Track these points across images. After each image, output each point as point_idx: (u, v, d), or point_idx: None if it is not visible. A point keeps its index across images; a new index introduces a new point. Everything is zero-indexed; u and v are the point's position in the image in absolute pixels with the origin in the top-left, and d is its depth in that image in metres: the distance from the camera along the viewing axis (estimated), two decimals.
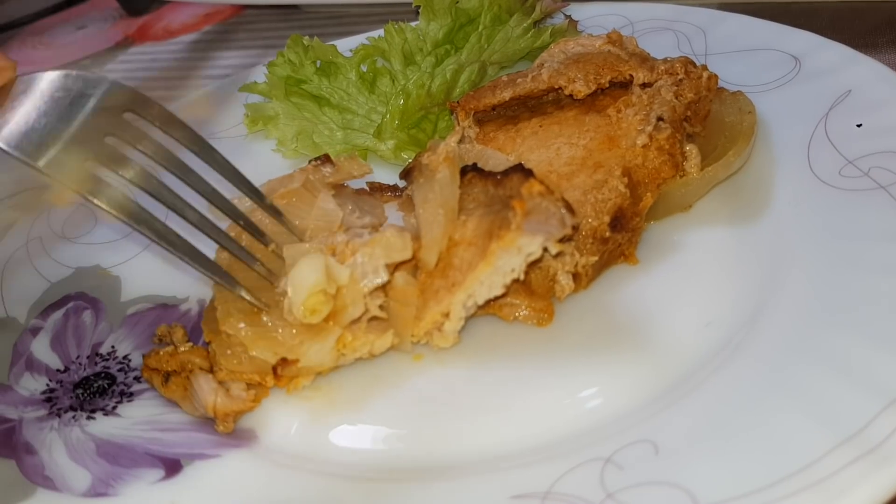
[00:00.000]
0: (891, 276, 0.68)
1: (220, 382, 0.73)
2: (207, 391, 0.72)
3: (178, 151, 0.75)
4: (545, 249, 0.72)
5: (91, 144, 0.69)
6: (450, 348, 0.76)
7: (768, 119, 0.91)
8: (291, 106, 1.09)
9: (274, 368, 0.73)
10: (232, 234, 0.76)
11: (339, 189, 0.83)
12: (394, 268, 0.73)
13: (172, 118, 0.74)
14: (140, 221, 0.69)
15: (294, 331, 0.72)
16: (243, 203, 0.78)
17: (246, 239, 0.77)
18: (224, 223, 0.76)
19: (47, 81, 0.70)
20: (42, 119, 0.68)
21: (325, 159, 0.83)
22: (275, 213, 0.78)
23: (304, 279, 0.69)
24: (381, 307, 0.73)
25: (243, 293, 0.73)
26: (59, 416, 0.77)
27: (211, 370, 0.74)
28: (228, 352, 0.72)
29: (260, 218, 0.78)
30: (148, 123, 0.73)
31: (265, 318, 0.73)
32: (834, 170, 0.81)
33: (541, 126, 0.89)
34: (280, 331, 0.72)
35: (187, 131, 0.75)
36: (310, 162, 0.84)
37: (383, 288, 0.73)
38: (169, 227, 0.71)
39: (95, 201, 0.68)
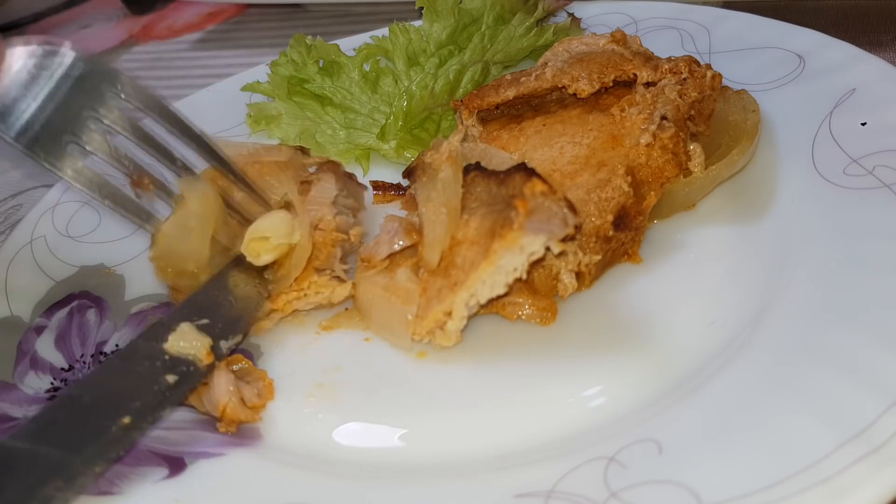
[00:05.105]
0: (894, 274, 0.68)
1: (238, 386, 0.74)
2: (223, 392, 0.72)
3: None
4: (548, 249, 0.72)
5: (69, 120, 0.74)
6: (452, 347, 0.76)
7: (772, 118, 0.90)
8: (294, 105, 1.10)
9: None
10: None
11: (334, 166, 0.91)
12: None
13: (151, 97, 0.79)
14: (106, 194, 0.76)
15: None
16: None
17: None
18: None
19: (31, 57, 0.74)
20: (24, 94, 0.73)
21: (304, 150, 0.93)
22: (246, 184, 0.85)
23: (256, 227, 0.80)
24: (345, 270, 0.84)
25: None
26: None
27: (231, 370, 0.75)
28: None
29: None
30: (126, 100, 0.78)
31: None
32: (838, 168, 0.81)
33: (544, 125, 0.89)
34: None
35: (164, 108, 0.80)
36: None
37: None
38: (130, 198, 0.78)
39: (62, 176, 0.74)
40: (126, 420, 0.65)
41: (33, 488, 0.59)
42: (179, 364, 0.71)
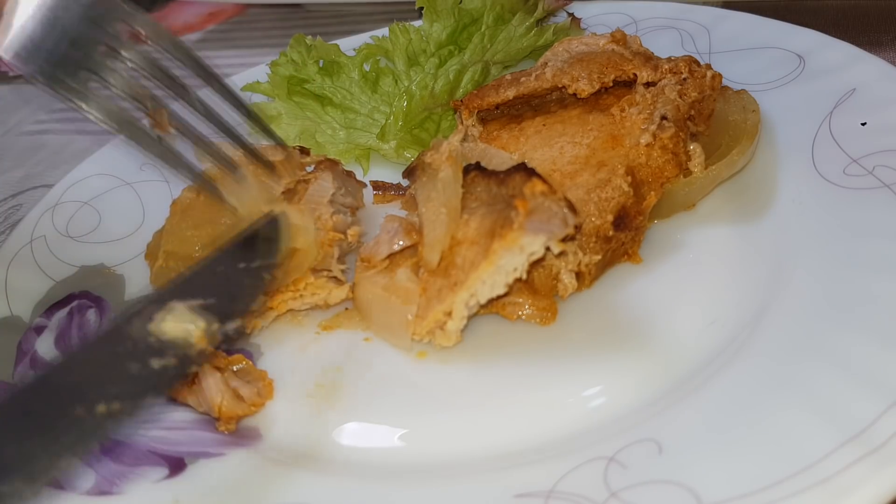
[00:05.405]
0: (895, 274, 0.68)
1: (229, 384, 0.73)
2: (215, 391, 0.72)
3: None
4: (547, 248, 0.72)
5: (84, 54, 0.74)
6: (452, 347, 0.76)
7: (772, 118, 0.90)
8: (294, 105, 1.10)
9: None
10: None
11: (332, 165, 0.90)
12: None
13: (162, 31, 0.79)
14: (125, 126, 0.75)
15: None
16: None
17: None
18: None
19: None
20: (38, 29, 0.73)
21: (304, 151, 0.92)
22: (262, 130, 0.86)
23: None
24: (342, 271, 0.84)
25: (222, 193, 0.81)
26: None
27: (219, 369, 0.74)
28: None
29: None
30: (140, 36, 0.79)
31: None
32: (838, 168, 0.81)
33: (544, 125, 0.89)
34: None
35: (177, 44, 0.80)
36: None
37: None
38: (154, 134, 0.77)
39: (84, 108, 0.74)
40: (102, 408, 0.57)
41: None
42: (168, 348, 0.63)
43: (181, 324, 0.64)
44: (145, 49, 0.78)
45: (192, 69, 0.80)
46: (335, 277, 0.83)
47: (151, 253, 0.86)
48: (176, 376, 0.63)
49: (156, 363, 0.61)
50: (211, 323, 0.65)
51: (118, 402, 0.58)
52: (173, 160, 0.78)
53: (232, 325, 0.67)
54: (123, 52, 0.77)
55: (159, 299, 0.64)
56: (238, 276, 0.69)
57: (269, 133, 0.86)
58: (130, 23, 0.77)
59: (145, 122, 0.78)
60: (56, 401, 0.57)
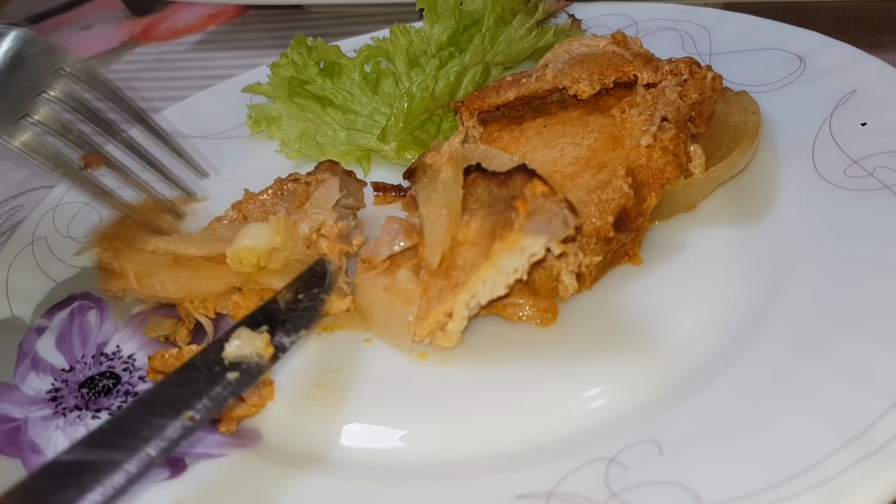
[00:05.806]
0: (895, 276, 0.68)
1: None
2: None
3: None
4: (548, 250, 0.72)
5: (18, 95, 0.81)
6: (453, 348, 0.76)
7: (773, 119, 0.90)
8: (295, 107, 1.10)
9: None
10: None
11: (333, 166, 0.91)
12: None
13: (98, 78, 0.86)
14: (58, 164, 0.82)
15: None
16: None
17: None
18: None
19: None
20: None
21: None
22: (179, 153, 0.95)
23: (245, 238, 0.80)
24: (346, 282, 0.84)
25: (140, 217, 0.87)
26: (64, 415, 0.77)
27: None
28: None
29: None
30: (76, 80, 0.86)
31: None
32: (839, 170, 0.81)
33: (545, 126, 0.89)
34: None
35: (111, 90, 0.88)
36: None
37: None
38: (86, 173, 0.85)
39: (10, 143, 0.80)
40: (188, 415, 0.66)
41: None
42: (240, 364, 0.71)
43: (247, 343, 0.72)
44: (75, 89, 0.85)
45: (119, 107, 0.88)
46: (339, 288, 0.83)
47: (111, 287, 0.85)
48: (251, 381, 0.72)
49: (231, 376, 0.70)
50: (274, 335, 0.74)
51: (201, 409, 0.68)
52: (96, 191, 0.86)
53: (295, 336, 0.75)
54: (53, 93, 0.83)
55: (224, 336, 0.74)
56: (298, 303, 0.78)
57: (191, 163, 0.96)
58: (62, 64, 0.84)
59: (75, 158, 0.85)
60: (160, 406, 0.67)
